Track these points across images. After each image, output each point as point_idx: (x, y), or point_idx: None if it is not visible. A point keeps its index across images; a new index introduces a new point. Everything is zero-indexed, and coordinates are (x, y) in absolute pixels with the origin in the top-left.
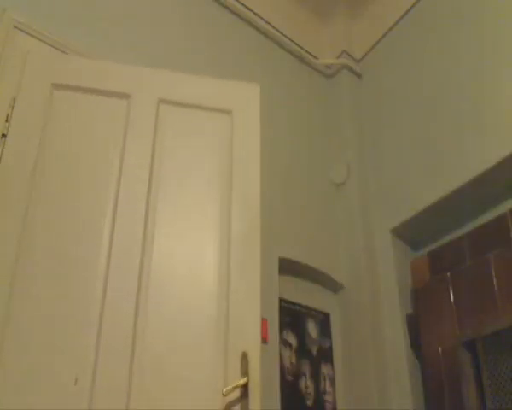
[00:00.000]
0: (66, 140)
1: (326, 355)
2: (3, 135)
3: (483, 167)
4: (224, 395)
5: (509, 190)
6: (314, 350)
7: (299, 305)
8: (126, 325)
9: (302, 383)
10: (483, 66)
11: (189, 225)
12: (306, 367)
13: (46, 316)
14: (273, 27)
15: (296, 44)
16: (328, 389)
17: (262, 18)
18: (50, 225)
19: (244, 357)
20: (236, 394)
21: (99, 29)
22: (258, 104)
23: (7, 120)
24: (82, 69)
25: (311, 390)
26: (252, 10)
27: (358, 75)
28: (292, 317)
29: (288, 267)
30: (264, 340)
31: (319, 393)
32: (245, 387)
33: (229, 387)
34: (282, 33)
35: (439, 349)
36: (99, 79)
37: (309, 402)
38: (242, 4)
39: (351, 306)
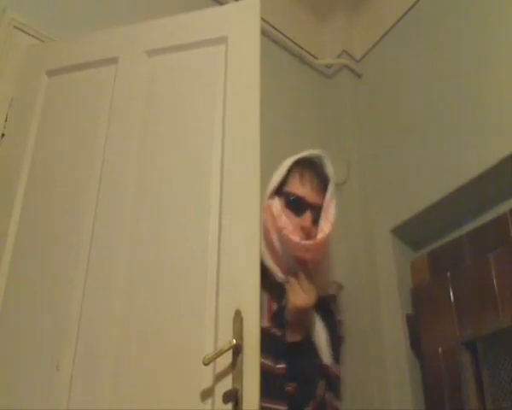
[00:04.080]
0: (62, 127)
1: None
2: (3, 135)
3: (483, 167)
4: (206, 364)
5: (509, 190)
6: None
7: None
8: (111, 289)
9: None
10: (484, 65)
11: (178, 178)
12: None
13: (29, 295)
14: (273, 27)
15: (296, 44)
16: None
17: (262, 18)
18: (48, 222)
19: (237, 316)
20: (227, 362)
21: (100, 30)
22: (258, 21)
23: (6, 120)
24: (73, 48)
25: None
26: None
27: (358, 75)
28: None
29: None
30: None
31: None
32: (237, 353)
33: (211, 353)
34: (281, 33)
35: (439, 349)
36: (89, 52)
37: None
38: None
39: (351, 306)
